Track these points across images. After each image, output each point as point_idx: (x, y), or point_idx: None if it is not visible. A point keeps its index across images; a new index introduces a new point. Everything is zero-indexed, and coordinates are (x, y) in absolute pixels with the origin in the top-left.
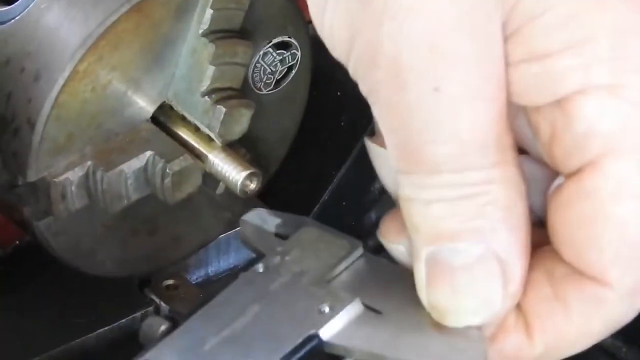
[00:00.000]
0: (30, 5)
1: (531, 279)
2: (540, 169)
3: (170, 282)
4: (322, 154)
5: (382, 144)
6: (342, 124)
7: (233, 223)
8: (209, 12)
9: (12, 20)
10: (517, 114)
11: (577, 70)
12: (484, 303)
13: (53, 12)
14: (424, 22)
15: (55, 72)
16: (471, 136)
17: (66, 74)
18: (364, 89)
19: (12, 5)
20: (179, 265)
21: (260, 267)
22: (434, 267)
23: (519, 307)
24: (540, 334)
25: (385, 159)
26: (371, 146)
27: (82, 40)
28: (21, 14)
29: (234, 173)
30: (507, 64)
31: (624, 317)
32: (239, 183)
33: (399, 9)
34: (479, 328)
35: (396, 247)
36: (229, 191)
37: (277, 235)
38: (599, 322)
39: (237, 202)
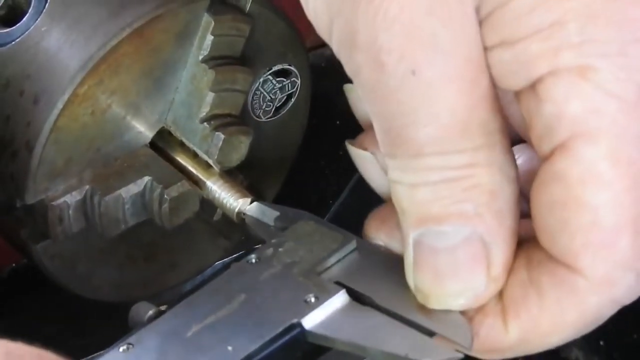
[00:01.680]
0: (31, 28)
1: (513, 265)
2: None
3: (166, 307)
4: (320, 181)
5: (362, 146)
6: (341, 152)
7: (230, 249)
8: (210, 38)
9: (12, 43)
10: (512, 100)
11: (546, 54)
12: (466, 286)
13: (53, 35)
14: (398, 6)
15: (55, 95)
16: (452, 119)
17: (66, 97)
18: (347, 70)
19: (13, 28)
20: (175, 290)
21: (253, 258)
22: (419, 250)
23: (499, 292)
24: (514, 320)
25: (366, 160)
26: (352, 149)
27: (82, 64)
28: (21, 37)
29: (232, 200)
30: (485, 49)
31: (600, 309)
32: (236, 210)
33: None
34: (462, 313)
35: (375, 243)
36: (226, 218)
37: (275, 227)
38: (573, 311)
39: (234, 229)
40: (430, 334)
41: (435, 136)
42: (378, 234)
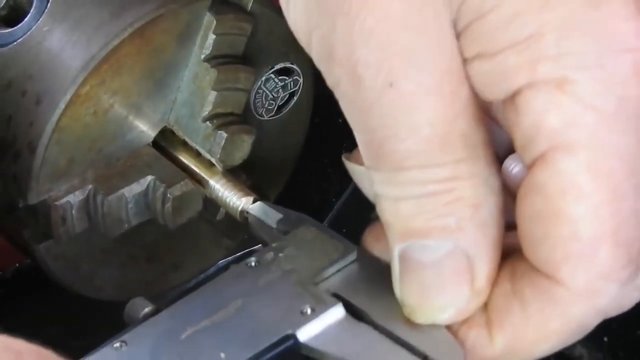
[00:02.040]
0: (33, 28)
1: (498, 276)
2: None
3: (164, 303)
4: (323, 181)
5: (358, 161)
6: (344, 151)
7: (233, 249)
8: (212, 37)
9: (14, 43)
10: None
11: (524, 67)
12: (451, 300)
13: (55, 36)
14: (375, 19)
15: (57, 95)
16: (431, 131)
17: (68, 97)
18: (328, 82)
19: (14, 28)
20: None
21: (252, 261)
22: (404, 264)
23: (484, 303)
24: (499, 330)
25: (362, 176)
26: (348, 164)
27: (84, 64)
28: (23, 37)
29: (235, 199)
30: (464, 61)
31: (584, 319)
32: (239, 209)
33: (351, 6)
34: (447, 326)
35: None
36: (229, 217)
37: (277, 230)
38: (556, 321)
39: (237, 229)
40: (423, 356)
41: (416, 149)
42: (373, 250)
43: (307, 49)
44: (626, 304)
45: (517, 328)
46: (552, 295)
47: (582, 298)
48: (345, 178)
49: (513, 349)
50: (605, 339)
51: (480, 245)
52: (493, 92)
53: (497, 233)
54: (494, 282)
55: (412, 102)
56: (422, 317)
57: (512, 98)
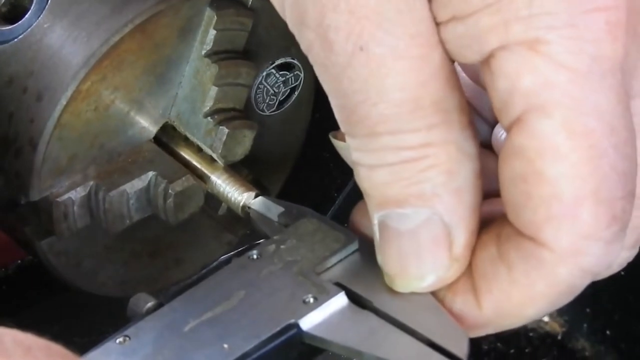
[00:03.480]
0: (33, 25)
1: (481, 241)
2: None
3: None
4: (324, 175)
5: (343, 138)
6: None
7: (234, 244)
8: (212, 32)
9: (15, 40)
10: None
11: (496, 28)
12: (430, 268)
13: (56, 32)
14: None
15: (58, 91)
16: (402, 96)
17: (69, 93)
18: (302, 48)
19: (15, 25)
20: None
21: (254, 254)
22: (383, 233)
23: (468, 269)
24: (486, 295)
25: (347, 151)
26: (333, 141)
27: (85, 60)
28: (24, 34)
29: (236, 194)
30: (437, 25)
31: (571, 280)
32: (241, 204)
33: None
34: (433, 293)
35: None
36: (230, 212)
37: (279, 223)
38: (542, 284)
39: (239, 224)
40: (427, 342)
41: (388, 114)
42: (360, 227)
43: (281, 14)
44: (615, 264)
45: (504, 292)
46: (537, 257)
47: (567, 259)
48: (347, 172)
49: (501, 313)
50: (608, 332)
51: (456, 211)
52: (467, 56)
53: (474, 199)
54: (480, 248)
55: (382, 66)
56: (402, 285)
57: (487, 61)
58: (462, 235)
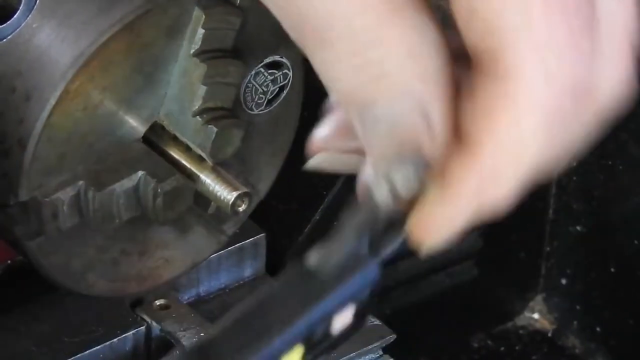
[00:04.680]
0: (22, 25)
1: (457, 103)
2: None
3: (162, 301)
4: (313, 173)
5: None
6: None
7: (224, 243)
8: (201, 31)
9: (4, 40)
10: None
11: None
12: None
13: (44, 32)
14: None
15: (47, 91)
16: None
17: (57, 93)
18: None
19: (3, 25)
20: (170, 284)
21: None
22: (366, 135)
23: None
24: (482, 143)
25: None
26: (311, 163)
27: (74, 60)
28: (12, 34)
29: (225, 193)
30: None
31: (549, 103)
32: (230, 203)
33: None
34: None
35: None
36: (220, 211)
37: None
38: (530, 116)
39: (228, 222)
40: None
41: (335, 12)
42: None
43: None
44: (605, 89)
45: (493, 139)
46: (506, 91)
47: (535, 81)
48: None
49: (498, 165)
50: (598, 329)
51: (427, 92)
52: None
53: (442, 75)
54: (456, 111)
55: None
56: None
57: None
58: (438, 112)
